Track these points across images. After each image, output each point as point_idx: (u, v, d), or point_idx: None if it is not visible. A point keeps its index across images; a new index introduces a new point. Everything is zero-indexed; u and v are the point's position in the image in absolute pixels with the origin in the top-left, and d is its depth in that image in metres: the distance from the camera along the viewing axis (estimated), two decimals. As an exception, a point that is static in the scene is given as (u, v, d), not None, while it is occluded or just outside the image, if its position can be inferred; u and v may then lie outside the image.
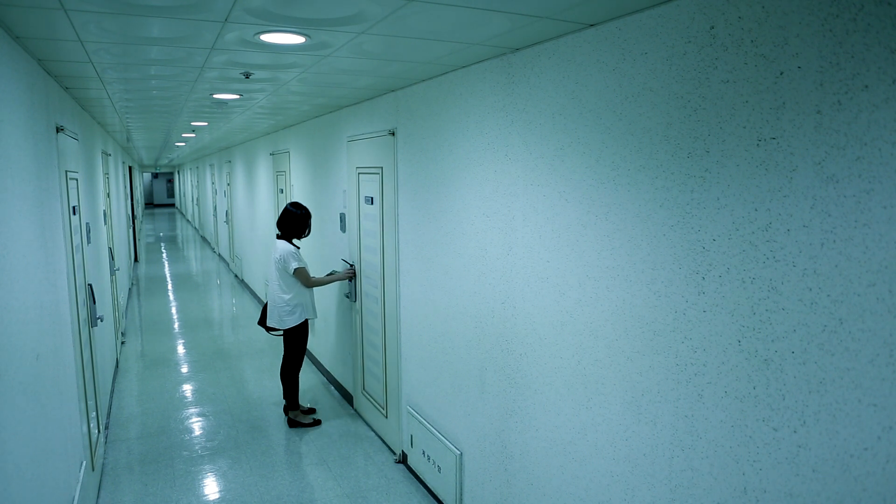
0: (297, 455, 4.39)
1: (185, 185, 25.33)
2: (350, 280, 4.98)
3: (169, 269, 13.12)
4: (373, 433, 4.72)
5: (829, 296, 1.40)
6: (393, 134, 3.95)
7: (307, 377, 6.03)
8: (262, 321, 4.97)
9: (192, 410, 5.22)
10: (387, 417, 4.44)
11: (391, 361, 4.29)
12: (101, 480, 3.96)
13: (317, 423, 4.90)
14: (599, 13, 1.97)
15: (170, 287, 11.05)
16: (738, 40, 1.58)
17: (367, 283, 4.65)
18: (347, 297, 5.13)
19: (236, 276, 11.68)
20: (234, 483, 3.95)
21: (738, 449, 1.67)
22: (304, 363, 6.51)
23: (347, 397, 5.39)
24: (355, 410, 5.16)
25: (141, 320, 8.53)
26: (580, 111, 2.21)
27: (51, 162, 3.03)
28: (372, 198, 4.39)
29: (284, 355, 4.87)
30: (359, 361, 4.97)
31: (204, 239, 18.44)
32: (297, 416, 4.88)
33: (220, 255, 14.43)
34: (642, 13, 1.90)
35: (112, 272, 6.23)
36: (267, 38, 2.42)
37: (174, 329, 8.03)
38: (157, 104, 4.85)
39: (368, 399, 4.82)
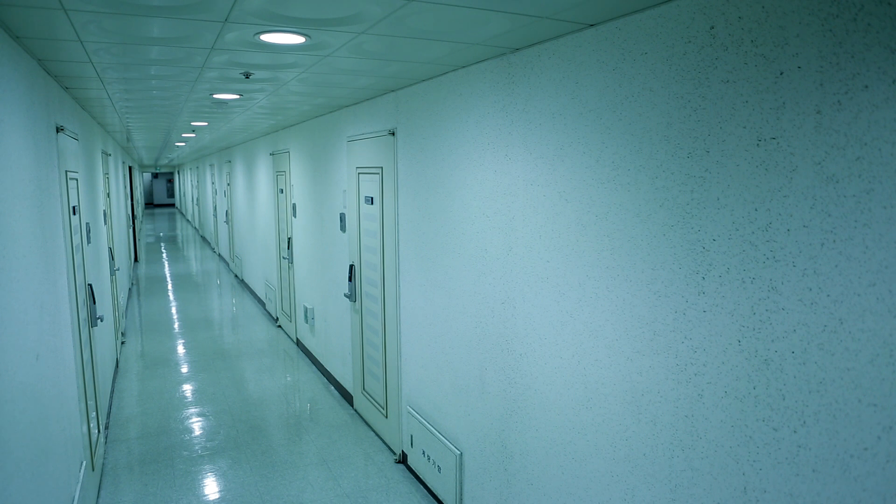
0: (297, 455, 4.39)
1: (185, 185, 25.34)
2: (350, 280, 4.98)
3: (169, 269, 13.11)
4: (373, 433, 4.72)
5: (829, 296, 1.40)
6: (393, 134, 3.95)
7: (307, 377, 6.03)
8: None
9: (192, 410, 5.22)
10: (387, 417, 4.44)
11: (391, 361, 4.29)
12: (101, 480, 3.96)
13: None
14: (599, 13, 1.97)
15: (170, 287, 11.05)
16: (738, 40, 1.58)
17: (367, 283, 4.65)
18: (347, 297, 5.13)
19: (236, 276, 11.68)
20: (234, 483, 3.95)
21: (738, 449, 1.67)
22: (304, 363, 6.51)
23: (347, 397, 5.39)
24: (355, 410, 5.16)
25: (141, 320, 8.53)
26: (580, 111, 2.21)
27: (51, 162, 3.03)
28: (372, 198, 4.39)
29: None
30: (359, 361, 4.97)
31: (204, 239, 18.45)
32: None
33: (219, 255, 14.43)
34: (642, 13, 1.90)
35: (112, 272, 6.23)
36: (267, 38, 2.42)
37: (174, 329, 8.03)
38: (157, 104, 4.85)
39: (368, 399, 4.82)
